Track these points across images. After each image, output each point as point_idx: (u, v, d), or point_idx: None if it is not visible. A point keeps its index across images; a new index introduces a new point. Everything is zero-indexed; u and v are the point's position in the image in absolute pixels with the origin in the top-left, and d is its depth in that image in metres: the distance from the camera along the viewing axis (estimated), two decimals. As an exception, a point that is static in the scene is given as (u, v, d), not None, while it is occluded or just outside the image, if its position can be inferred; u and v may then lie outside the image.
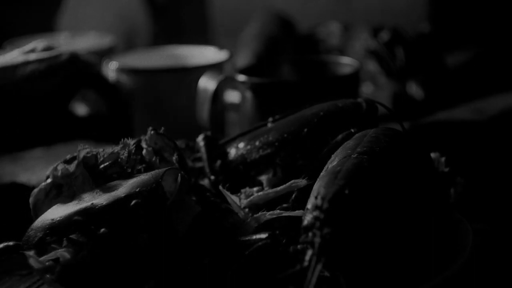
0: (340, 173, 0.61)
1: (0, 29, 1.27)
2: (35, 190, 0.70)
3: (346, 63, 0.87)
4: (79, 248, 0.62)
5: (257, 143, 0.73)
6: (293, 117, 0.74)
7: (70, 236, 0.63)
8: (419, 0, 1.41)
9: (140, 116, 0.93)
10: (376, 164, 0.62)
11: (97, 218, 0.63)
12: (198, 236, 0.65)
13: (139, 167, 0.70)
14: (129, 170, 0.70)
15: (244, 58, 1.10)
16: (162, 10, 1.64)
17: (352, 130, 0.69)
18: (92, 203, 0.64)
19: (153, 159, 0.71)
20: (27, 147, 0.93)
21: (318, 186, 0.61)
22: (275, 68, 0.91)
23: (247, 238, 0.63)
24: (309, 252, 0.57)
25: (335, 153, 0.66)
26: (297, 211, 0.65)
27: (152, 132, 0.72)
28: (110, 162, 0.70)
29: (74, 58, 0.87)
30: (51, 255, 0.62)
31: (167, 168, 0.67)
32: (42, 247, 0.63)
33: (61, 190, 0.69)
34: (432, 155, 0.72)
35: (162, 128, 0.72)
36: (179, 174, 0.67)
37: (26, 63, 0.84)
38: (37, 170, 0.95)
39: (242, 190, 0.69)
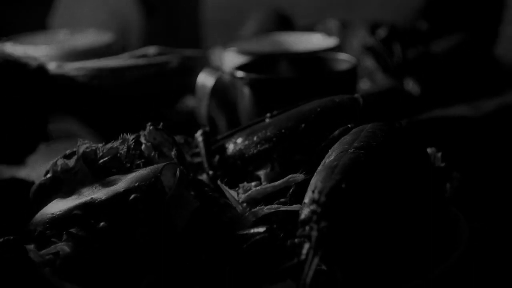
0: (337, 167, 0.62)
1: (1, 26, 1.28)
2: (35, 185, 0.70)
3: (344, 59, 0.88)
4: (78, 242, 0.63)
5: (255, 138, 0.73)
6: (291, 112, 0.74)
7: (70, 230, 0.63)
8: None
9: None
10: (373, 159, 0.63)
11: (97, 212, 0.64)
12: (197, 230, 0.65)
13: (138, 162, 0.71)
14: (128, 165, 0.70)
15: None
16: (155, 9, 1.64)
17: (349, 125, 0.70)
18: (92, 198, 0.65)
19: (152, 154, 0.72)
20: None
21: (315, 181, 0.61)
22: (273, 65, 0.92)
23: (245, 232, 0.64)
24: (306, 246, 0.58)
25: (332, 148, 0.66)
26: (294, 206, 0.66)
27: (151, 127, 0.72)
28: (109, 157, 0.71)
29: (183, 65, 0.88)
30: (51, 249, 0.63)
31: (165, 162, 0.68)
32: (42, 241, 0.64)
33: (60, 185, 0.70)
34: (429, 150, 0.73)
35: (161, 123, 0.72)
36: (178, 169, 0.67)
37: (136, 67, 0.86)
38: (36, 166, 0.96)
39: (240, 185, 0.70)
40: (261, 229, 0.63)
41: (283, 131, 0.72)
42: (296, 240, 0.59)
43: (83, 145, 0.71)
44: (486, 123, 0.90)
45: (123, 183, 0.66)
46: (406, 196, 0.62)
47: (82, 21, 1.51)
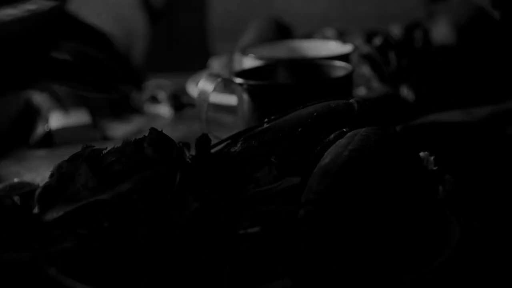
0: (332, 169, 0.64)
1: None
2: (40, 187, 0.73)
3: (340, 66, 0.90)
4: (82, 241, 0.65)
5: (253, 142, 0.76)
6: (288, 117, 0.77)
7: (74, 229, 0.66)
8: (414, 5, 1.44)
9: None
10: (366, 160, 0.65)
11: (100, 212, 0.66)
12: (196, 230, 0.68)
13: (140, 164, 0.73)
14: (131, 168, 0.73)
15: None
16: (160, 15, 1.67)
17: (344, 130, 0.72)
18: (96, 198, 0.67)
19: (154, 156, 0.74)
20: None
21: (311, 181, 0.64)
22: (271, 71, 0.94)
23: (242, 232, 0.66)
24: (302, 243, 0.61)
25: (328, 151, 0.69)
26: (291, 206, 0.68)
27: (153, 131, 0.75)
28: (112, 159, 0.73)
29: (58, 8, 0.84)
30: (56, 248, 0.65)
31: (166, 164, 0.70)
32: (46, 242, 0.66)
33: (64, 188, 0.72)
34: (421, 154, 0.75)
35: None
36: (178, 173, 0.70)
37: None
38: (41, 171, 0.99)
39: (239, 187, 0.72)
40: (258, 228, 0.65)
41: (280, 135, 0.75)
42: (292, 238, 0.62)
43: (87, 149, 0.73)
44: (479, 128, 0.92)
45: (125, 184, 0.68)
46: (397, 196, 0.65)
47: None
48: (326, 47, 1.05)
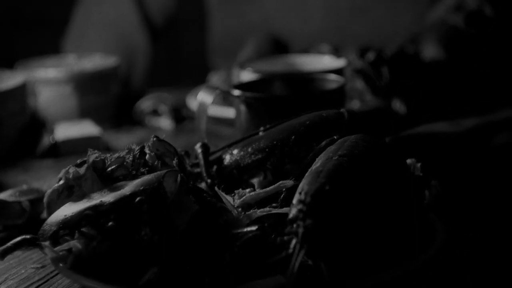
0: (322, 172, 0.69)
1: (11, 52, 1.34)
2: (49, 191, 0.77)
3: (333, 79, 0.95)
4: (89, 240, 0.69)
5: (249, 149, 0.80)
6: (282, 126, 0.81)
7: (82, 229, 0.70)
8: (407, 24, 1.49)
9: None
10: (354, 165, 0.69)
11: (105, 214, 0.70)
12: (195, 231, 0.72)
13: (143, 170, 0.77)
14: (134, 173, 0.77)
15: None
16: (161, 32, 1.71)
17: (335, 137, 0.76)
18: (101, 201, 0.71)
19: (155, 163, 0.78)
20: None
21: (303, 184, 0.68)
22: (267, 84, 0.98)
23: (239, 231, 0.70)
24: (294, 241, 0.65)
25: (319, 156, 0.73)
26: (284, 208, 0.72)
27: (155, 139, 0.79)
28: (116, 165, 0.77)
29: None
30: (64, 246, 0.69)
31: (167, 170, 0.75)
32: (56, 240, 0.71)
33: (72, 191, 0.76)
34: (409, 160, 0.80)
35: (164, 135, 0.79)
36: (179, 176, 0.74)
37: None
38: (47, 179, 1.03)
39: (236, 191, 0.76)
40: (254, 227, 0.69)
41: (275, 142, 0.79)
42: (285, 237, 0.66)
43: (93, 155, 0.78)
44: (466, 138, 0.97)
45: (129, 187, 0.72)
46: (383, 197, 0.69)
47: (91, 44, 1.58)
48: (321, 62, 1.10)
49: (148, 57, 1.63)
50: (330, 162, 0.70)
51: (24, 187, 0.90)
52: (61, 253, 0.69)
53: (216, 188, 0.77)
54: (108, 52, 1.47)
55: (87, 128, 1.14)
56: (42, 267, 0.78)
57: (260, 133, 0.82)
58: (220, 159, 0.81)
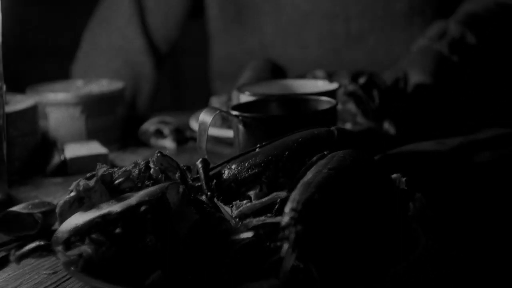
0: (312, 183, 0.75)
1: (22, 77, 1.41)
2: (61, 202, 0.83)
3: (325, 100, 1.01)
4: (98, 245, 0.74)
5: (246, 164, 0.86)
6: (277, 142, 0.87)
7: (91, 235, 0.76)
8: (400, 53, 1.56)
9: None
10: (341, 177, 0.76)
11: (113, 222, 0.76)
12: (196, 238, 0.78)
13: (148, 182, 0.83)
14: (139, 185, 0.83)
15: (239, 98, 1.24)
16: (165, 59, 1.78)
17: (325, 153, 0.83)
18: (109, 210, 0.77)
19: (159, 176, 0.84)
20: None
21: (294, 194, 0.74)
22: (264, 105, 1.05)
23: (236, 237, 0.76)
24: (286, 246, 0.71)
25: (310, 170, 0.80)
26: (278, 217, 0.78)
27: (159, 154, 0.86)
28: (123, 178, 0.83)
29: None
30: (76, 251, 0.75)
31: (170, 182, 0.81)
32: (68, 245, 0.77)
33: (82, 202, 0.82)
34: (394, 175, 0.86)
35: (167, 151, 0.86)
36: (181, 188, 0.81)
37: None
38: (57, 196, 1.09)
39: (234, 203, 0.82)
40: (250, 234, 0.76)
41: (270, 158, 0.85)
42: (278, 242, 0.72)
43: (102, 169, 0.84)
44: (450, 156, 1.03)
45: (135, 198, 0.78)
46: (368, 206, 0.75)
47: (98, 69, 1.65)
48: (315, 85, 1.16)
49: (153, 82, 1.70)
50: (320, 175, 0.76)
51: (36, 200, 0.96)
52: (72, 257, 0.74)
53: (215, 199, 0.84)
54: (114, 77, 1.54)
55: (94, 148, 1.20)
56: (54, 273, 0.83)
57: (257, 150, 0.88)
58: (219, 174, 0.87)
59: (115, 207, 0.76)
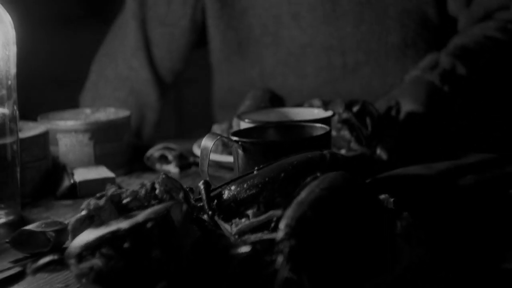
0: (305, 202, 0.81)
1: (34, 106, 1.47)
2: (73, 220, 0.90)
3: (319, 127, 1.08)
4: (108, 259, 0.80)
5: (245, 185, 0.92)
6: (274, 165, 0.93)
7: (101, 250, 0.82)
8: (391, 83, 1.63)
9: None
10: (332, 196, 0.83)
11: (122, 237, 0.83)
12: (198, 252, 0.84)
13: (153, 202, 0.89)
14: (146, 204, 0.90)
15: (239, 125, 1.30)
16: (169, 88, 1.85)
17: (318, 174, 0.89)
18: (118, 227, 0.83)
19: (164, 196, 0.91)
20: None
21: (289, 211, 0.81)
22: (262, 132, 1.12)
23: (235, 252, 0.83)
24: (280, 259, 0.77)
25: (303, 190, 0.86)
26: (274, 234, 0.85)
27: (164, 176, 0.93)
28: (131, 198, 0.90)
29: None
30: (87, 264, 0.81)
31: (175, 201, 0.88)
32: (80, 259, 0.83)
33: (93, 220, 0.89)
34: (383, 196, 0.92)
35: (171, 171, 0.93)
36: (184, 207, 0.87)
37: None
38: (67, 217, 1.15)
39: (233, 221, 0.88)
40: (247, 249, 0.82)
41: (267, 179, 0.91)
42: (273, 256, 0.79)
43: (111, 189, 0.91)
44: (437, 179, 1.09)
45: (141, 215, 0.83)
46: (356, 223, 0.82)
47: (105, 99, 1.72)
48: (311, 113, 1.23)
49: (157, 111, 1.77)
50: (313, 194, 0.83)
51: (49, 220, 1.03)
52: (84, 270, 0.80)
53: (216, 218, 0.90)
54: (121, 106, 1.61)
55: (102, 172, 1.27)
56: (66, 286, 0.88)
57: (255, 172, 0.95)
58: (220, 194, 0.93)
59: (123, 224, 0.82)
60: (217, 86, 1.82)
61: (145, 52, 1.74)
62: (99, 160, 1.35)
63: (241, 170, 1.04)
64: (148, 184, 0.91)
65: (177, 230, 0.83)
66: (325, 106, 1.34)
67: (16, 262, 0.96)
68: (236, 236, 0.86)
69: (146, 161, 1.39)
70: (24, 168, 1.19)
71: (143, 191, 0.90)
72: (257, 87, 1.62)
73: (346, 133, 1.25)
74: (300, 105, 1.40)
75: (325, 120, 1.13)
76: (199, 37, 1.79)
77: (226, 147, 1.33)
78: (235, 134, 1.08)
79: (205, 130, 1.54)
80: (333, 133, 1.21)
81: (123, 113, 1.43)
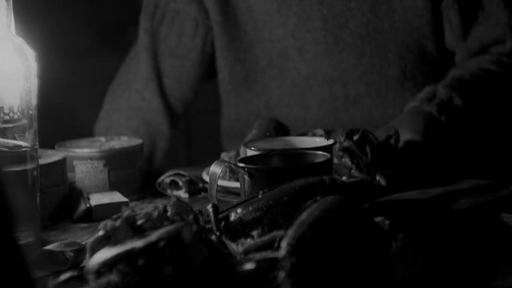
0: (305, 223, 0.88)
1: (52, 135, 1.54)
2: (91, 240, 0.97)
3: (320, 154, 1.16)
4: (124, 275, 0.85)
5: (250, 208, 0.99)
6: (277, 190, 1.00)
7: (118, 267, 0.89)
8: (392, 114, 1.70)
9: None
10: (330, 217, 0.90)
11: (136, 255, 0.90)
12: (207, 270, 0.91)
13: (165, 223, 0.96)
14: (158, 225, 0.97)
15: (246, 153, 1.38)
16: (180, 118, 1.92)
17: (317, 198, 0.97)
18: (133, 246, 0.90)
19: (175, 218, 0.98)
20: None
21: (290, 231, 0.88)
22: (267, 159, 1.19)
23: (241, 269, 0.90)
24: (282, 275, 0.84)
25: (304, 212, 0.93)
26: (276, 253, 0.91)
27: (175, 199, 1.00)
28: (145, 219, 0.97)
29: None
30: (105, 279, 0.88)
31: (185, 223, 0.95)
32: (98, 275, 0.90)
33: (109, 239, 0.96)
34: (379, 218, 0.99)
35: (181, 196, 1.00)
36: (194, 227, 0.94)
37: None
38: (83, 239, 1.22)
39: (239, 241, 0.96)
40: (252, 265, 0.89)
41: (270, 202, 0.98)
42: (275, 272, 0.86)
43: (126, 211, 0.98)
44: (431, 203, 1.16)
45: (155, 235, 0.90)
46: (352, 242, 0.89)
47: (118, 128, 1.80)
48: (313, 142, 1.30)
49: (168, 140, 1.84)
50: (312, 216, 0.90)
51: (67, 241, 1.10)
52: (102, 285, 0.88)
53: (223, 238, 0.97)
54: (133, 135, 1.68)
55: (116, 197, 1.34)
56: None
57: (259, 196, 1.02)
58: (227, 216, 1.00)
59: (138, 243, 0.88)
60: (225, 116, 1.88)
61: (157, 83, 1.81)
62: (113, 185, 1.42)
63: (247, 194, 1.11)
64: (161, 207, 0.98)
65: (187, 249, 0.89)
66: (328, 135, 1.42)
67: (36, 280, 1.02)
68: (242, 255, 0.93)
69: (158, 187, 1.46)
70: (43, 193, 1.24)
71: (156, 213, 0.97)
72: (263, 117, 1.68)
73: (347, 160, 1.32)
74: (304, 134, 1.47)
75: (326, 148, 1.21)
76: (208, 69, 1.85)
77: (233, 174, 1.40)
78: (242, 161, 1.15)
79: (214, 158, 1.60)
80: (335, 160, 1.28)
81: (136, 141, 1.50)
